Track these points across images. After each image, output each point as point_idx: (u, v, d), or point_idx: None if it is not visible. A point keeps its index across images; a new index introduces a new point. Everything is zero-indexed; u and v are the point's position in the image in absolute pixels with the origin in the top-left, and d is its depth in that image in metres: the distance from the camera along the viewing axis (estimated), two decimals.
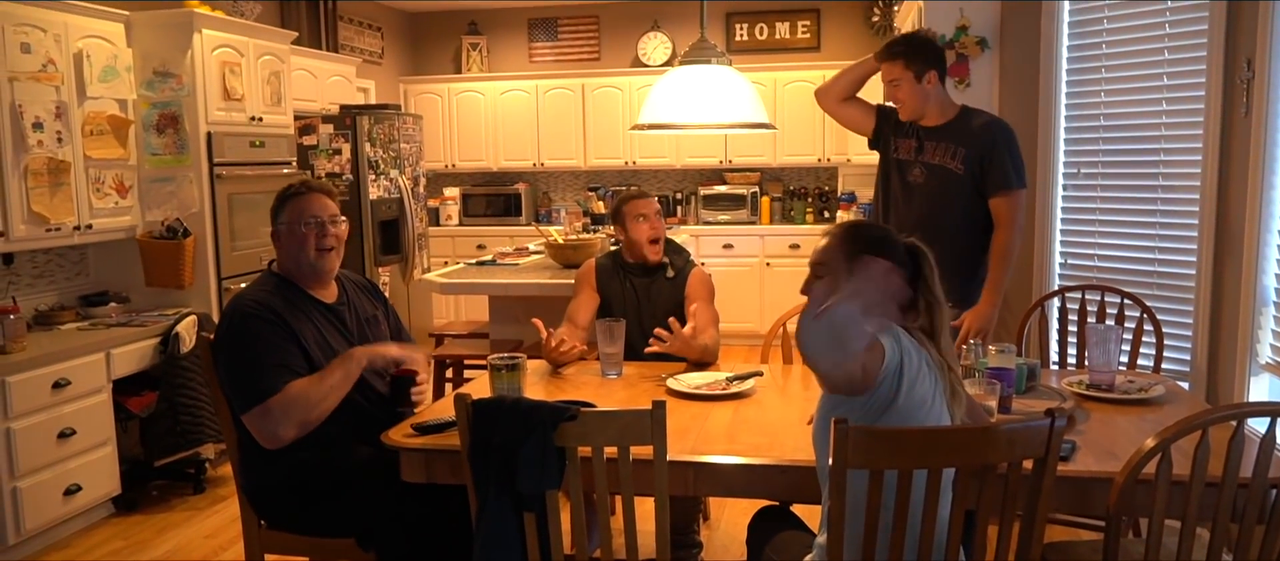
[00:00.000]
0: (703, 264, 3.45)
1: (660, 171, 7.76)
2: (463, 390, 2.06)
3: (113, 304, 4.28)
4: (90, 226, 4.08)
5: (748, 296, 7.07)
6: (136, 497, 4.07)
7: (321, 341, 2.44)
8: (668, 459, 1.86)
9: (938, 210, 3.18)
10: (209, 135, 4.43)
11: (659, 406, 1.80)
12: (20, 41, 3.70)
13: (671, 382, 2.70)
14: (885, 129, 3.34)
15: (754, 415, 2.44)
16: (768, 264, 7.12)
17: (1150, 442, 1.85)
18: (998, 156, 3.12)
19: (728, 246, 7.23)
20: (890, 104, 3.33)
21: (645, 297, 3.18)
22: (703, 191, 7.49)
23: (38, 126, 3.77)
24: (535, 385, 2.76)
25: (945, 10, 3.89)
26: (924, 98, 3.19)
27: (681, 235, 6.43)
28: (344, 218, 2.58)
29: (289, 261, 2.51)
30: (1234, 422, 1.85)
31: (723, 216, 7.40)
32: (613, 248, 3.47)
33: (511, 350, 4.35)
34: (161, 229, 4.36)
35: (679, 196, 7.69)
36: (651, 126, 3.12)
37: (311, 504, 2.41)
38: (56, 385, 3.57)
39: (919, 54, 3.15)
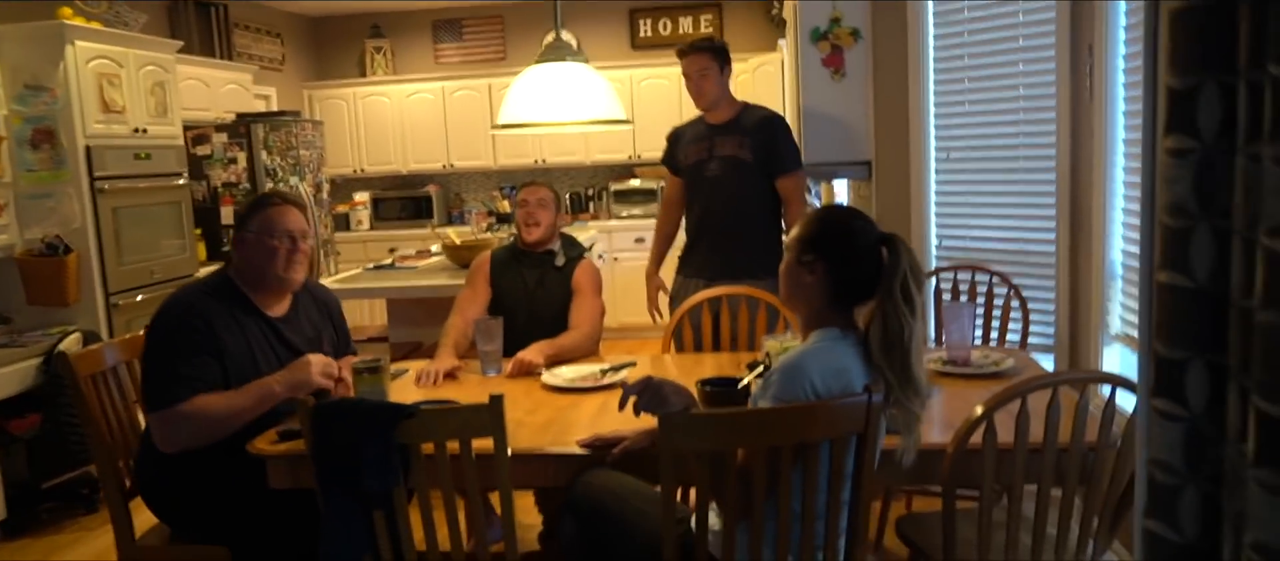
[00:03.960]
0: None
1: (571, 168, 7.79)
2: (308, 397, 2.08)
3: None
4: None
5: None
6: (24, 521, 3.98)
7: (247, 354, 2.42)
8: (511, 452, 1.90)
9: (737, 195, 3.57)
10: (88, 149, 4.34)
11: (496, 400, 1.84)
12: None
13: (547, 377, 2.74)
14: (674, 154, 3.77)
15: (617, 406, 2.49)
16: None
17: (977, 411, 1.95)
18: (779, 142, 3.56)
19: (640, 240, 7.28)
20: (678, 126, 3.81)
21: (537, 286, 3.23)
22: (614, 187, 7.54)
23: None
24: (413, 387, 2.77)
25: (818, 6, 4.00)
26: (722, 90, 3.60)
27: (591, 231, 6.48)
28: (312, 234, 2.58)
29: (249, 270, 2.48)
30: (1050, 390, 1.97)
31: (634, 210, 7.46)
32: (511, 239, 3.55)
33: (409, 351, 4.36)
34: (41, 246, 4.26)
35: (590, 193, 7.73)
36: (509, 126, 3.16)
37: (200, 507, 2.41)
38: None
39: (722, 51, 3.59)
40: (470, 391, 2.72)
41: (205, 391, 2.31)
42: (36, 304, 4.28)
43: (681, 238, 3.83)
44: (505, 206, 6.44)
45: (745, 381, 2.31)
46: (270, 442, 2.27)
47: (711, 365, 2.96)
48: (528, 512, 3.38)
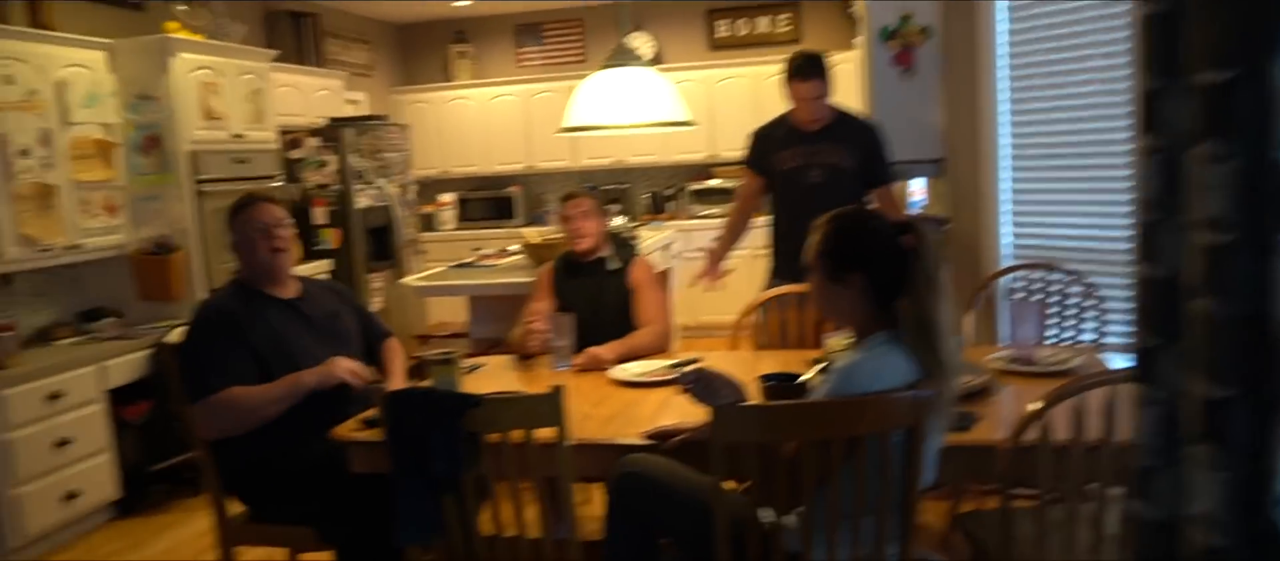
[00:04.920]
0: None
1: (650, 168, 7.88)
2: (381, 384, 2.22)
3: (108, 319, 4.48)
4: (81, 246, 4.29)
5: (737, 288, 7.17)
6: (137, 501, 4.26)
7: (276, 336, 2.65)
8: (575, 442, 2.00)
9: (839, 203, 3.44)
10: (192, 154, 4.62)
11: (556, 390, 1.94)
12: (3, 74, 3.90)
13: (614, 372, 2.84)
14: (765, 157, 3.78)
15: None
16: (757, 255, 7.21)
17: (1031, 408, 1.97)
18: (880, 151, 3.65)
19: (717, 240, 7.34)
20: (763, 126, 3.83)
21: (595, 292, 3.32)
22: (692, 187, 7.61)
23: (24, 154, 3.97)
24: (489, 379, 2.90)
25: (888, 5, 4.02)
26: (827, 104, 3.66)
27: (669, 230, 6.57)
28: (291, 220, 2.80)
29: (247, 267, 2.75)
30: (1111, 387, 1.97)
31: (713, 210, 7.52)
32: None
33: (488, 347, 4.51)
34: (151, 245, 4.55)
35: (669, 192, 7.81)
36: (575, 129, 3.26)
37: (276, 492, 2.61)
38: (51, 397, 3.77)
39: (827, 69, 3.61)
40: (542, 386, 2.82)
41: (237, 383, 2.55)
42: (146, 299, 4.58)
43: (739, 240, 3.90)
44: None
45: (805, 377, 2.37)
46: (353, 430, 2.43)
47: (775, 362, 3.01)
48: (598, 506, 3.48)
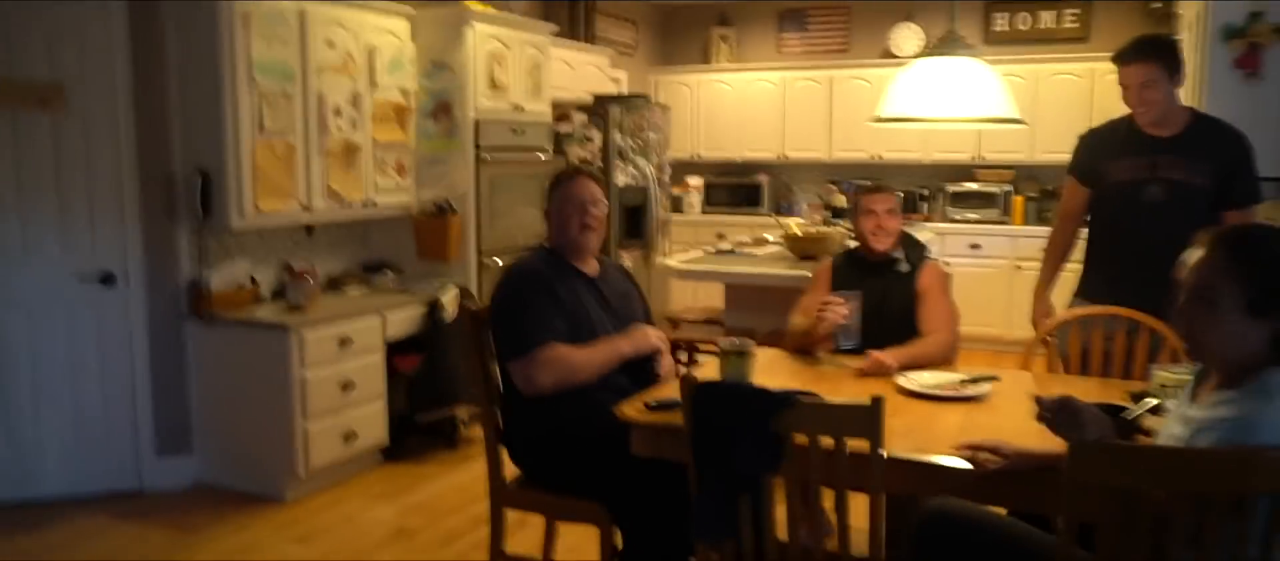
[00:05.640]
0: (948, 263, 3.36)
1: (907, 166, 7.53)
2: (690, 372, 2.15)
3: (388, 273, 4.77)
4: (375, 203, 4.57)
5: (993, 299, 6.73)
6: (400, 449, 4.52)
7: (581, 308, 2.71)
8: (887, 455, 1.86)
9: (1183, 226, 2.61)
10: (476, 122, 4.81)
11: (877, 401, 1.80)
12: (325, 37, 4.20)
13: (902, 380, 2.66)
14: (1095, 165, 3.21)
15: (986, 420, 2.36)
16: (1018, 267, 6.74)
17: None
18: (1245, 168, 3.03)
19: (975, 246, 6.92)
20: (1096, 128, 3.28)
21: (880, 294, 3.13)
22: (950, 188, 7.20)
23: (337, 113, 4.28)
24: (764, 371, 2.80)
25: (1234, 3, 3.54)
26: (1172, 101, 3.03)
27: (926, 233, 6.23)
28: (605, 202, 2.83)
29: (557, 237, 2.81)
30: None
31: (971, 215, 7.09)
32: (851, 245, 3.46)
33: (743, 336, 4.43)
34: (432, 207, 4.79)
35: (925, 193, 7.43)
36: (894, 119, 3.07)
37: (568, 460, 2.63)
38: (342, 342, 4.04)
39: (1172, 54, 3.02)
40: (829, 383, 2.70)
41: (557, 339, 2.58)
42: (423, 257, 4.83)
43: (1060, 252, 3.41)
44: (841, 200, 6.36)
45: (1135, 413, 2.10)
46: (639, 411, 2.39)
47: (1080, 390, 2.73)
48: (858, 516, 3.32)
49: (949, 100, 3.00)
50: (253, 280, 4.27)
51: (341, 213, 4.43)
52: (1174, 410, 1.85)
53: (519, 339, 2.60)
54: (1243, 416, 1.57)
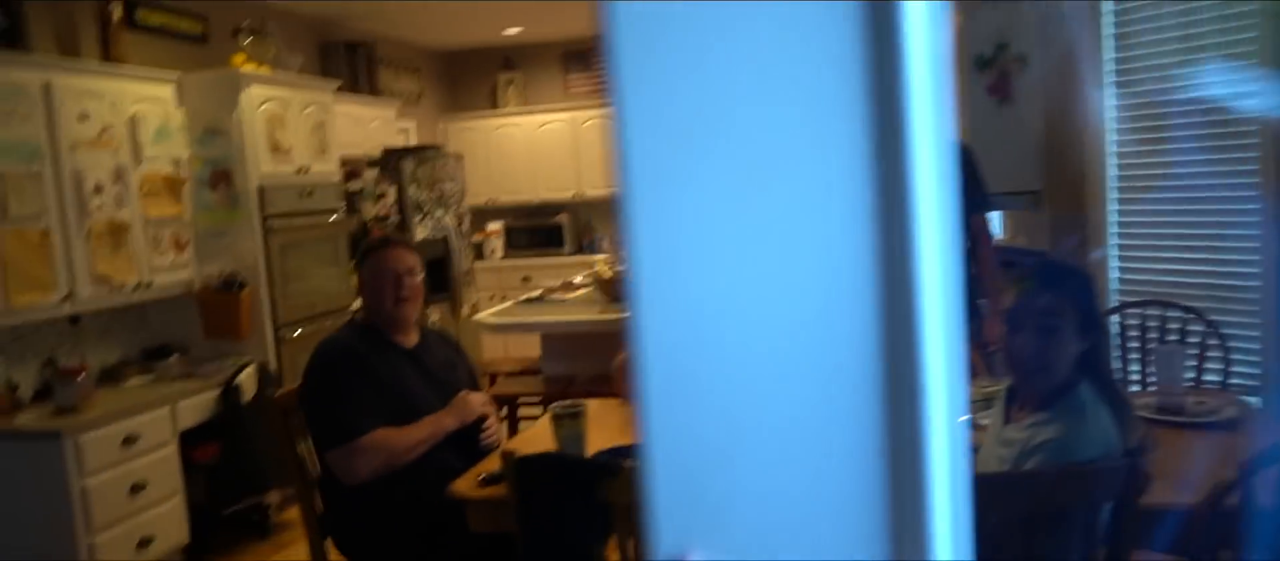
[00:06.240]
0: None
1: None
2: (512, 444, 2.08)
3: (174, 356, 4.37)
4: (150, 284, 4.19)
5: None
6: (205, 545, 4.14)
7: (401, 384, 2.56)
8: None
9: None
10: (260, 188, 4.52)
11: None
12: (79, 111, 3.81)
13: None
14: None
15: None
16: None
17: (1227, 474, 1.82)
18: (970, 174, 3.34)
19: None
20: None
21: None
22: None
23: (98, 190, 3.88)
24: (598, 424, 2.74)
25: (983, 33, 3.87)
26: None
27: None
28: (421, 269, 2.70)
29: (371, 311, 2.66)
30: None
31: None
32: None
33: (564, 386, 4.38)
34: (217, 282, 4.45)
35: None
36: None
37: (404, 547, 2.48)
38: (126, 441, 3.66)
39: None
40: None
41: (381, 422, 2.43)
42: (212, 336, 4.47)
43: None
44: None
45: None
46: (472, 486, 2.30)
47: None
48: None
49: None
50: (10, 386, 3.79)
51: (113, 298, 4.03)
52: (991, 431, 1.96)
53: (336, 428, 2.44)
54: (1060, 437, 1.69)
